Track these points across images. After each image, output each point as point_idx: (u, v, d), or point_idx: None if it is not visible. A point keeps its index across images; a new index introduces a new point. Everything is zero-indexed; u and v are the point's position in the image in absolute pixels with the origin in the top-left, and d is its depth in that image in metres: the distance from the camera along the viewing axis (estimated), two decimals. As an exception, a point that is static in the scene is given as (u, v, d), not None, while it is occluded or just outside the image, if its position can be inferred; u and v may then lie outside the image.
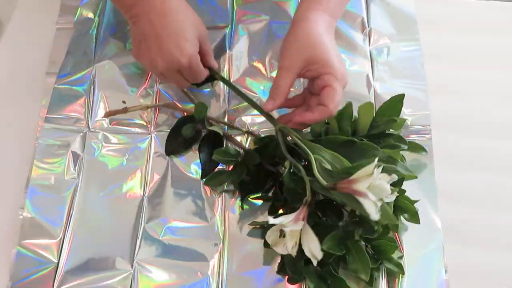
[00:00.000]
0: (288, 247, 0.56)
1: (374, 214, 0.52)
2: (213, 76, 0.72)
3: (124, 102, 0.75)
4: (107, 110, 0.73)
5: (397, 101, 0.66)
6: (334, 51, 0.63)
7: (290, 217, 0.56)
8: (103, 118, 0.74)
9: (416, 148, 0.69)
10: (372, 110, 0.63)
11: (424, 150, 0.69)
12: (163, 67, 0.66)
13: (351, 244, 0.59)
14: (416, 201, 0.65)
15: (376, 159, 0.52)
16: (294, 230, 0.56)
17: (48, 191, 0.68)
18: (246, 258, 0.65)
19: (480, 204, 0.69)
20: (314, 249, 0.55)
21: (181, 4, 0.67)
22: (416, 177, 0.65)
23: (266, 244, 0.64)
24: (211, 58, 0.71)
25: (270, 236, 0.57)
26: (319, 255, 0.55)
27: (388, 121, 0.65)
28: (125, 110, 0.70)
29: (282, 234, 0.57)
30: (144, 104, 0.73)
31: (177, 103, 0.75)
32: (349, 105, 0.65)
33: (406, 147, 0.66)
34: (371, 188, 0.53)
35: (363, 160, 0.55)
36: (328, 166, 0.57)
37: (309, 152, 0.58)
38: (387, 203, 0.57)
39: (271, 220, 0.55)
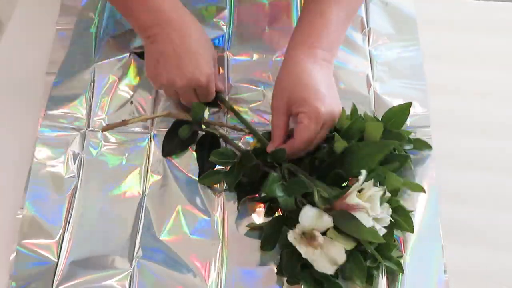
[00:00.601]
0: (311, 249, 0.57)
1: (369, 223, 0.55)
2: (219, 99, 0.74)
3: (131, 103, 0.75)
4: (106, 124, 0.73)
5: (404, 109, 0.66)
6: (316, 88, 0.63)
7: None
8: (103, 118, 0.74)
9: (420, 144, 0.69)
10: (380, 129, 0.63)
11: (429, 146, 0.70)
12: (181, 86, 0.68)
13: (350, 253, 0.59)
14: (411, 211, 0.65)
15: (364, 172, 0.55)
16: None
17: (47, 190, 0.68)
18: (245, 258, 0.65)
19: (480, 204, 0.69)
20: (337, 255, 0.56)
21: (198, 27, 0.70)
22: (423, 191, 0.65)
23: (263, 247, 0.64)
24: (218, 80, 0.74)
25: (292, 237, 0.58)
26: (342, 260, 0.56)
27: (396, 136, 0.66)
28: (124, 123, 0.70)
29: (302, 236, 0.58)
30: (144, 116, 0.72)
31: (177, 113, 0.74)
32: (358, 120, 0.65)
33: (411, 146, 0.66)
34: (363, 200, 0.55)
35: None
36: (326, 195, 0.59)
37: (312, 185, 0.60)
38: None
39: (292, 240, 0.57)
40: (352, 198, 0.55)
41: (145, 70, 0.71)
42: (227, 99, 0.75)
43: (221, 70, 0.78)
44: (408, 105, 0.66)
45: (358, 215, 0.55)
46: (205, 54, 0.69)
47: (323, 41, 0.66)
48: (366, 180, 0.56)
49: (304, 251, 0.58)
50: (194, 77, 0.67)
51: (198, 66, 0.67)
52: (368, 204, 0.55)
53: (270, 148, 0.66)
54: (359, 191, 0.56)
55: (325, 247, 0.57)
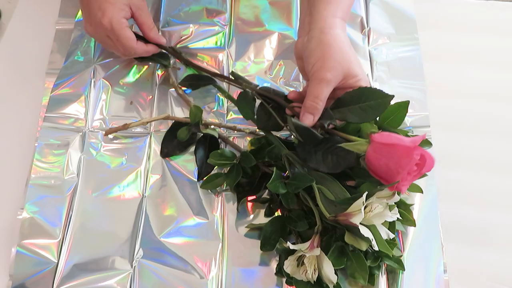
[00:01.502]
0: (309, 274, 0.57)
1: (371, 242, 0.55)
2: (162, 52, 0.75)
3: (131, 103, 0.75)
4: (108, 128, 0.73)
5: (402, 107, 0.65)
6: (359, 62, 0.64)
7: (306, 245, 0.57)
8: (103, 118, 0.74)
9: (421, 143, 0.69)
10: (375, 130, 0.62)
11: (428, 143, 0.69)
12: (93, 33, 0.71)
13: (351, 252, 0.59)
14: (411, 205, 0.65)
15: (365, 195, 0.54)
16: (312, 258, 0.57)
17: (47, 191, 0.68)
18: (245, 258, 0.65)
19: (479, 204, 0.69)
20: (329, 274, 0.56)
21: None
22: (421, 191, 0.65)
23: (263, 247, 0.64)
24: (151, 31, 0.73)
25: (288, 266, 0.58)
26: (334, 279, 0.56)
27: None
28: (125, 127, 0.70)
29: (299, 263, 0.58)
30: (144, 120, 0.72)
31: (176, 116, 0.74)
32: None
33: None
34: (369, 218, 0.55)
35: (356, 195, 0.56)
36: (331, 196, 0.59)
37: (314, 184, 0.59)
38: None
39: (291, 246, 0.57)
40: (356, 220, 0.54)
41: None
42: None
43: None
44: (406, 103, 0.64)
45: (362, 229, 0.55)
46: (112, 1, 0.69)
47: (348, 12, 0.67)
48: (363, 189, 0.56)
49: (304, 277, 0.58)
50: (97, 19, 0.68)
51: (101, 8, 0.68)
52: (378, 219, 0.56)
53: (308, 121, 0.60)
54: (365, 208, 0.56)
55: (321, 270, 0.57)
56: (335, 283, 0.56)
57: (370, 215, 0.55)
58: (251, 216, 0.67)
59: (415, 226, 0.64)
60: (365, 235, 0.54)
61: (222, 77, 0.74)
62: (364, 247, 0.56)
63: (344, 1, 0.66)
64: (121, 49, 0.72)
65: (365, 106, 0.59)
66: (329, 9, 0.64)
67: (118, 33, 0.69)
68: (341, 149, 0.58)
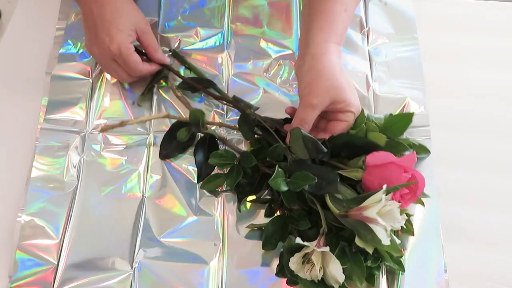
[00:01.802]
0: (314, 272, 0.57)
1: (385, 239, 0.55)
2: (164, 72, 0.76)
3: (133, 103, 0.76)
4: (104, 124, 0.72)
5: (406, 118, 0.66)
6: (350, 87, 0.66)
7: (314, 242, 0.58)
8: (103, 119, 0.74)
9: (419, 149, 0.69)
10: (383, 140, 0.64)
11: (427, 151, 0.70)
12: (99, 56, 0.71)
13: (350, 254, 0.59)
14: (411, 215, 0.65)
15: (385, 186, 0.55)
16: (318, 256, 0.57)
17: (47, 192, 0.68)
18: (246, 258, 0.65)
19: (480, 204, 0.69)
20: (337, 274, 0.56)
21: None
22: (423, 204, 0.65)
23: (265, 247, 0.64)
24: (156, 51, 0.74)
25: (294, 263, 0.58)
26: (342, 279, 0.56)
27: (397, 145, 0.65)
28: (122, 124, 0.70)
29: (304, 261, 0.58)
30: (142, 118, 0.72)
31: (175, 115, 0.74)
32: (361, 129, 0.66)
33: (411, 151, 0.67)
34: (381, 214, 0.55)
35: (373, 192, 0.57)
36: (340, 197, 0.60)
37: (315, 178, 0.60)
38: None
39: (301, 242, 0.57)
40: (371, 212, 0.55)
41: None
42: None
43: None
44: (410, 115, 0.66)
45: (375, 228, 0.55)
46: (121, 22, 0.70)
47: (343, 36, 0.69)
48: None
49: (309, 276, 0.58)
50: (105, 45, 0.69)
51: (109, 35, 0.69)
52: (388, 219, 0.56)
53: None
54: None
55: (326, 269, 0.57)
56: (341, 283, 0.56)
57: (385, 209, 0.55)
58: (252, 217, 0.67)
59: (413, 235, 0.65)
60: (382, 224, 0.54)
61: (222, 99, 0.75)
62: (371, 248, 0.56)
63: (339, 26, 0.68)
64: (125, 72, 0.73)
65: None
66: (322, 35, 0.66)
67: (127, 58, 0.70)
68: (330, 174, 0.60)
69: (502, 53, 0.81)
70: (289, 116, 0.70)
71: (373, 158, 0.60)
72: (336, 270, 0.56)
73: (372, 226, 0.55)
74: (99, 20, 0.69)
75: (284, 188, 0.61)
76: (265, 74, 0.78)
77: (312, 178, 0.59)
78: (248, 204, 0.68)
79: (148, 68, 0.73)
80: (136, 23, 0.72)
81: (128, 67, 0.71)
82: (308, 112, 0.64)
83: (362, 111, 0.67)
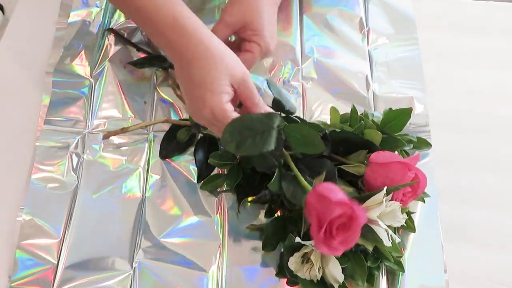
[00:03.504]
0: (313, 272, 0.57)
1: (386, 240, 0.55)
2: (160, 55, 0.75)
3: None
4: (107, 132, 0.72)
5: (405, 113, 0.66)
6: (270, 25, 0.69)
7: (311, 243, 0.57)
8: (103, 120, 0.74)
9: (420, 143, 0.69)
10: (379, 138, 0.63)
11: (428, 144, 0.70)
12: (196, 119, 0.64)
13: (351, 253, 0.59)
14: (412, 213, 0.65)
15: (385, 188, 0.55)
16: (317, 256, 0.57)
17: (47, 192, 0.68)
18: (245, 258, 0.65)
19: (479, 204, 0.69)
20: (336, 273, 0.56)
21: (210, 48, 0.60)
22: (423, 201, 0.65)
23: (264, 247, 0.63)
24: (255, 106, 0.61)
25: (293, 263, 0.58)
26: (341, 278, 0.56)
27: (395, 141, 0.65)
28: (123, 130, 0.70)
29: (304, 260, 0.58)
30: (143, 123, 0.72)
31: (175, 119, 0.74)
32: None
33: (411, 146, 0.67)
34: (383, 216, 0.55)
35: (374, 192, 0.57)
36: None
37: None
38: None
39: (301, 241, 0.56)
40: (373, 214, 0.55)
41: None
42: None
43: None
44: (409, 110, 0.65)
45: (376, 229, 0.55)
46: (213, 82, 0.59)
47: None
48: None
49: (308, 275, 0.58)
50: (198, 110, 0.61)
51: (200, 98, 0.60)
52: (389, 219, 0.57)
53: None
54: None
55: (325, 268, 0.57)
56: (341, 282, 0.56)
57: (386, 210, 0.56)
58: (251, 217, 0.67)
59: (414, 232, 0.65)
60: (383, 227, 0.55)
61: None
62: (370, 246, 0.56)
63: None
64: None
65: None
66: None
67: (223, 121, 0.59)
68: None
69: (502, 52, 0.81)
70: None
71: (377, 156, 0.59)
72: (335, 269, 0.56)
73: (374, 227, 0.55)
74: (188, 82, 0.61)
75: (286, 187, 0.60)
76: (265, 74, 0.78)
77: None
78: (248, 205, 0.68)
79: None
80: (231, 77, 0.60)
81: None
82: (220, 27, 0.67)
83: (353, 107, 0.67)
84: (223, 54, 0.61)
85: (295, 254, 0.58)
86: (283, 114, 0.62)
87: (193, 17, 0.62)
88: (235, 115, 0.59)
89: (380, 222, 0.55)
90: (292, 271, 0.59)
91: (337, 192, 0.53)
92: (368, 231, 0.55)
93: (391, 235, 0.56)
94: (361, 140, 0.63)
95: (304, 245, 0.57)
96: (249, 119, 0.58)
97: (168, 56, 0.67)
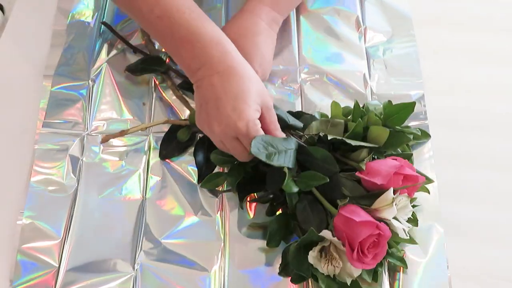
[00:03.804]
0: (332, 267, 0.58)
1: (402, 234, 0.57)
2: (158, 58, 0.75)
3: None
4: (105, 135, 0.72)
5: (408, 108, 0.66)
6: (262, 52, 0.69)
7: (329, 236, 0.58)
8: (102, 122, 0.74)
9: (419, 135, 0.69)
10: (386, 135, 0.63)
11: (427, 136, 0.70)
12: (220, 132, 0.62)
13: None
14: (416, 206, 0.65)
15: (391, 189, 0.56)
16: (336, 250, 0.57)
17: (47, 195, 0.68)
18: (248, 258, 0.65)
19: (480, 201, 0.69)
20: (351, 268, 0.57)
21: (246, 69, 0.64)
22: (428, 192, 0.66)
23: (269, 243, 0.63)
24: (277, 129, 0.64)
25: (313, 257, 0.58)
26: (357, 273, 0.57)
27: (399, 136, 0.66)
28: (122, 134, 0.70)
29: (322, 254, 0.58)
30: (142, 125, 0.71)
31: (175, 120, 0.74)
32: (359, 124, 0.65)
33: (411, 137, 0.67)
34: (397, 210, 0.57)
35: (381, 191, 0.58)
36: (346, 192, 0.60)
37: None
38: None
39: (323, 234, 0.58)
40: (387, 215, 0.56)
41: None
42: None
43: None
44: (412, 104, 0.65)
45: (391, 223, 0.57)
46: (250, 98, 0.61)
47: (284, 9, 0.73)
48: None
49: (326, 270, 0.58)
50: (231, 121, 0.60)
51: (237, 110, 0.60)
52: (401, 213, 0.58)
53: None
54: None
55: (342, 264, 0.58)
56: (355, 277, 0.57)
57: (398, 206, 0.57)
58: (253, 216, 0.67)
59: (417, 226, 0.65)
60: (398, 228, 0.57)
61: None
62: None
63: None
64: (240, 154, 0.64)
65: None
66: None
67: (253, 134, 0.60)
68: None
69: (499, 49, 0.82)
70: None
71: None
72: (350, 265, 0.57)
73: (393, 222, 0.56)
74: (224, 94, 0.61)
75: (295, 189, 0.60)
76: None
77: (323, 178, 0.59)
78: (249, 203, 0.68)
79: None
80: (263, 97, 0.63)
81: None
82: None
83: (356, 103, 0.67)
84: (257, 77, 0.65)
85: (314, 248, 0.58)
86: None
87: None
88: (262, 132, 0.62)
89: (394, 222, 0.56)
90: (299, 267, 0.59)
91: (359, 212, 0.56)
92: None
93: (404, 228, 0.57)
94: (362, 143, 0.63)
95: (322, 239, 0.58)
96: (271, 139, 0.61)
97: (198, 73, 0.64)
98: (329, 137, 0.63)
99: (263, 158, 0.58)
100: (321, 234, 0.58)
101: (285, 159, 0.60)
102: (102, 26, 0.82)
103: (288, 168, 0.60)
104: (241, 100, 0.61)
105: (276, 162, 0.59)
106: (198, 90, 0.65)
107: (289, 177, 0.60)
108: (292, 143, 0.62)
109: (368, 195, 0.59)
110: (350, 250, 0.56)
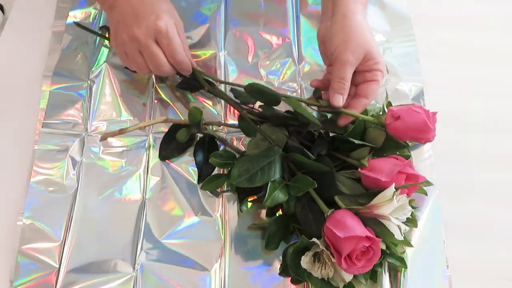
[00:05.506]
0: (325, 271, 0.58)
1: (398, 234, 0.56)
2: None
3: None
4: (104, 133, 0.70)
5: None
6: (378, 47, 0.67)
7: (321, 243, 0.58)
8: (101, 122, 0.74)
9: None
10: (383, 137, 0.64)
11: None
12: (140, 35, 0.65)
13: None
14: (415, 207, 0.65)
15: (393, 185, 0.56)
16: (328, 255, 0.57)
17: (47, 196, 0.68)
18: (248, 258, 0.65)
19: (480, 200, 0.69)
20: (343, 274, 0.57)
21: None
22: (426, 194, 0.66)
23: (267, 246, 0.63)
24: (188, 52, 0.70)
25: (306, 262, 0.58)
26: (348, 278, 0.57)
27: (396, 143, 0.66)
28: (121, 132, 0.69)
29: (315, 259, 0.58)
30: (141, 124, 0.71)
31: (175, 118, 0.74)
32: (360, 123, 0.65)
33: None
34: (393, 211, 0.56)
35: (381, 189, 0.57)
36: (345, 190, 0.61)
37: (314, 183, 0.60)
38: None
39: (315, 240, 0.58)
40: (384, 211, 0.56)
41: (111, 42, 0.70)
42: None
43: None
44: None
45: (387, 223, 0.57)
46: (165, 7, 0.67)
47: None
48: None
49: (319, 274, 0.58)
50: (151, 22, 0.65)
51: (154, 12, 0.66)
52: (399, 213, 0.58)
53: (340, 101, 0.64)
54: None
55: (335, 269, 0.58)
56: (347, 282, 0.57)
57: (397, 204, 0.56)
58: (253, 217, 0.67)
59: (416, 227, 0.65)
60: (396, 224, 0.56)
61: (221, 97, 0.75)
62: (383, 244, 0.58)
63: None
64: (165, 57, 0.67)
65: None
66: None
67: (172, 36, 0.66)
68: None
69: (499, 48, 0.81)
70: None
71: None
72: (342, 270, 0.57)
73: (385, 222, 0.56)
74: (141, 4, 0.66)
75: (284, 198, 0.60)
76: (262, 73, 0.78)
77: (312, 183, 0.59)
78: (249, 204, 0.68)
79: (185, 59, 0.68)
80: (174, 19, 0.69)
81: (171, 49, 0.67)
82: (346, 69, 0.64)
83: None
84: (168, 1, 0.70)
85: (306, 253, 0.58)
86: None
87: None
88: (180, 42, 0.67)
89: (392, 219, 0.55)
90: (297, 270, 0.59)
91: (346, 221, 0.56)
92: (377, 226, 0.56)
93: (402, 229, 0.57)
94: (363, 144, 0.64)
95: (314, 244, 0.58)
96: (252, 156, 0.62)
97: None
98: (331, 134, 0.63)
99: (245, 184, 0.59)
100: (312, 240, 0.58)
101: (269, 174, 0.60)
102: (101, 24, 0.82)
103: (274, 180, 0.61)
104: (157, 7, 0.66)
105: (259, 181, 0.60)
106: (114, 10, 0.68)
107: (276, 188, 0.60)
108: (276, 151, 0.63)
109: (367, 193, 0.59)
110: (339, 259, 0.55)
